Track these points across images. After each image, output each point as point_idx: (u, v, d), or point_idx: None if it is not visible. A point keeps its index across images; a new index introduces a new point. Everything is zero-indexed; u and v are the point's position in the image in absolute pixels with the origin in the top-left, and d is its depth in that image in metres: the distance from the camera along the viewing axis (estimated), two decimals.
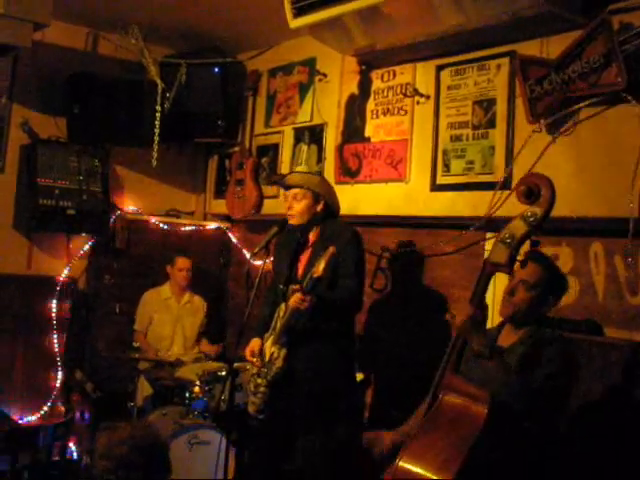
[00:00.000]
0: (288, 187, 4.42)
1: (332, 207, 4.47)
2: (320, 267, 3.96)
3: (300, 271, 4.32)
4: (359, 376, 4.99)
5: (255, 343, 4.41)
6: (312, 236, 4.41)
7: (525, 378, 3.15)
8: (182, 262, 6.14)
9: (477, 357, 3.17)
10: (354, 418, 4.63)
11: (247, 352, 4.41)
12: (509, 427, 3.08)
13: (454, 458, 2.86)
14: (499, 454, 3.05)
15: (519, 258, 3.06)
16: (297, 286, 4.07)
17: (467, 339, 3.14)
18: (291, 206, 4.36)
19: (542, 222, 3.01)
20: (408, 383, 4.54)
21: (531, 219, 3.00)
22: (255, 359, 4.33)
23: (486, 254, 3.26)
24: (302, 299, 4.01)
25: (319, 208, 4.38)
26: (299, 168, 4.68)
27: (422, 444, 3.00)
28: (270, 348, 4.29)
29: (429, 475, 2.87)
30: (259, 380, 4.29)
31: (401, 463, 2.96)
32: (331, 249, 3.98)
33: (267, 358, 4.29)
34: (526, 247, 3.09)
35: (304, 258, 4.38)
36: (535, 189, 3.01)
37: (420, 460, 2.94)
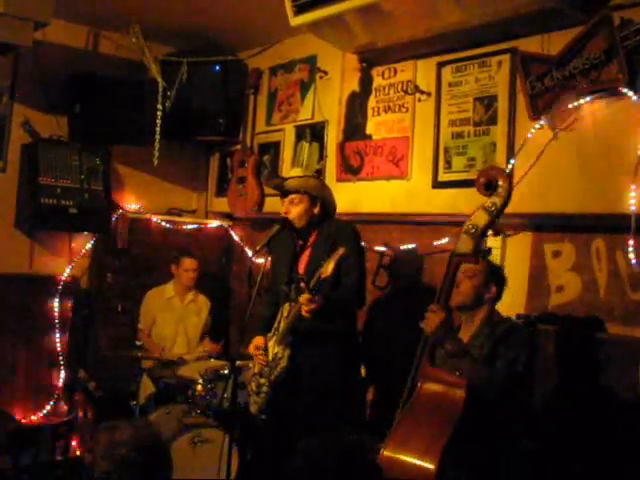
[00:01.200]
0: (286, 193, 4.41)
1: (329, 208, 4.48)
2: (329, 268, 3.94)
3: (300, 271, 4.31)
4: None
5: (259, 339, 4.41)
6: (311, 237, 4.40)
7: (492, 368, 3.37)
8: (189, 263, 6.11)
9: (451, 357, 3.36)
10: (357, 418, 4.63)
11: (251, 347, 4.41)
12: (482, 415, 3.22)
13: (437, 443, 2.97)
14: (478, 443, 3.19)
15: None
16: (304, 285, 4.06)
17: (441, 343, 3.35)
18: (288, 210, 4.35)
19: (501, 211, 3.21)
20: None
21: (492, 209, 3.20)
22: (260, 352, 4.32)
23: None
24: (310, 300, 4.00)
25: (316, 210, 4.38)
26: (294, 171, 4.63)
27: (405, 431, 3.12)
28: (274, 348, 4.28)
29: (414, 461, 2.97)
30: (262, 380, 4.29)
31: (386, 452, 3.06)
32: (340, 250, 3.97)
33: (270, 358, 4.28)
34: None
35: (303, 258, 4.37)
36: (493, 181, 3.22)
37: (404, 447, 3.04)
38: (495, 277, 3.69)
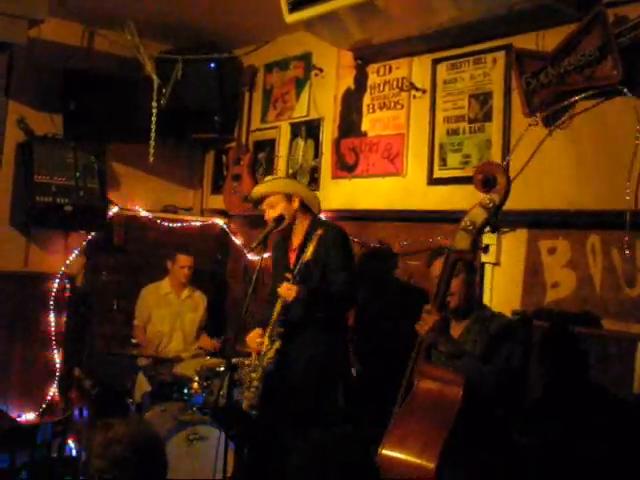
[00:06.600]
0: (259, 201, 4.53)
1: (309, 202, 4.54)
2: (309, 252, 4.09)
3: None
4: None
5: (257, 330, 4.44)
6: (298, 238, 4.48)
7: (488, 366, 3.37)
8: (184, 260, 6.11)
9: (447, 357, 3.38)
10: (350, 413, 4.63)
11: (248, 337, 4.44)
12: (480, 412, 3.21)
13: (435, 441, 2.95)
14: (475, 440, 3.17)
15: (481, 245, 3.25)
16: (288, 274, 4.18)
17: (435, 343, 3.36)
18: (269, 216, 4.47)
19: (500, 208, 3.17)
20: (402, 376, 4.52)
21: (489, 206, 3.16)
22: (258, 340, 4.35)
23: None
24: (289, 287, 4.11)
25: (295, 205, 4.46)
26: (265, 180, 4.79)
27: (402, 430, 3.10)
28: (265, 341, 4.31)
29: (412, 459, 2.95)
30: (253, 374, 4.32)
31: (384, 451, 3.05)
32: (319, 232, 4.12)
33: (262, 351, 4.31)
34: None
35: (292, 258, 4.47)
36: (491, 177, 3.17)
37: (402, 446, 3.03)
38: (472, 267, 3.74)
